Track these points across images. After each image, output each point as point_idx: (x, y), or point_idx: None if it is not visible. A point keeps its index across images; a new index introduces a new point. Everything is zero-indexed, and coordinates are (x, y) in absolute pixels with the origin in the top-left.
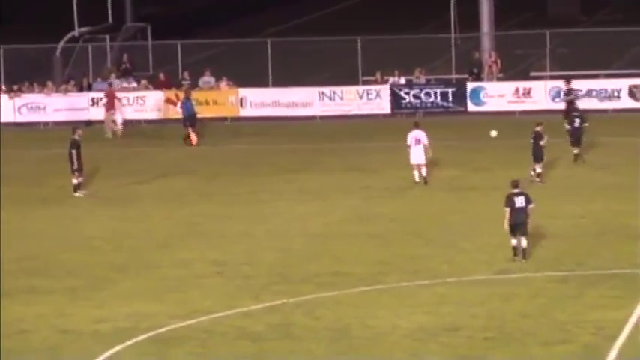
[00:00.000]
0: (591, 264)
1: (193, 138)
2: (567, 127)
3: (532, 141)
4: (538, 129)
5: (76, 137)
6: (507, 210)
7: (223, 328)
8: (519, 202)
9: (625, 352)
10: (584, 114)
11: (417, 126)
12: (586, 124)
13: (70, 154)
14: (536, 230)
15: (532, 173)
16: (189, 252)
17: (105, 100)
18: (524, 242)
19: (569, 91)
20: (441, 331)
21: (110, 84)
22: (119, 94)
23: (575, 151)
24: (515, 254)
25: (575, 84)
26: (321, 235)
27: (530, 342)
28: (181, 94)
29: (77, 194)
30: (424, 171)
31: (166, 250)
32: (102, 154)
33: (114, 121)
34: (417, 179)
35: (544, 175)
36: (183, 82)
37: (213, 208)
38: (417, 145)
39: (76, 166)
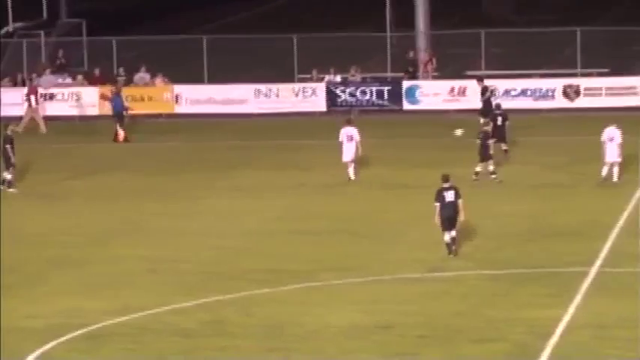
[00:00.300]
0: (522, 263)
1: (120, 134)
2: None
3: (480, 141)
4: (486, 128)
5: (8, 132)
6: (437, 205)
7: (156, 324)
8: (449, 196)
9: (557, 350)
10: (506, 112)
11: (349, 123)
12: (508, 122)
13: (5, 150)
14: (469, 229)
15: (475, 176)
16: (123, 249)
17: (28, 97)
18: (452, 234)
19: (484, 90)
20: (374, 329)
21: (30, 80)
22: (54, 90)
23: (504, 147)
24: (449, 251)
25: (510, 83)
26: (255, 233)
27: (463, 340)
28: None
29: (11, 190)
30: (353, 168)
31: (99, 246)
32: (34, 150)
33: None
34: (352, 176)
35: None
36: (119, 79)
37: (146, 205)
38: (350, 142)
39: (13, 161)
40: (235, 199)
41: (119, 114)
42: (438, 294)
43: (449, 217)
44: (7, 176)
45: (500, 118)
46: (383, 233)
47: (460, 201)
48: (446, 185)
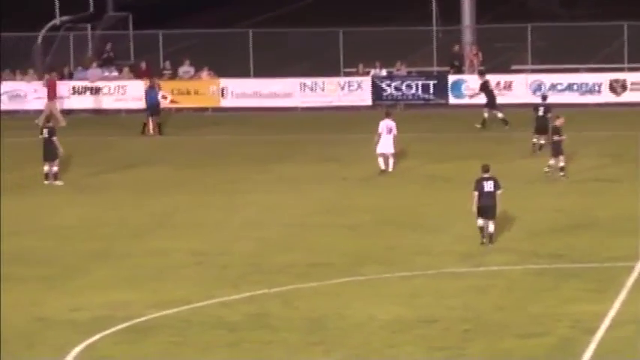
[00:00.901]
0: (567, 257)
1: (150, 126)
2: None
3: (554, 135)
4: (557, 123)
5: (50, 124)
6: (475, 193)
7: (200, 317)
8: (488, 186)
9: (604, 345)
10: (549, 105)
11: (388, 115)
12: (550, 114)
13: (52, 142)
14: (514, 222)
15: (547, 168)
16: (165, 241)
17: (46, 90)
18: (491, 227)
19: (485, 86)
20: (418, 322)
21: (50, 73)
22: (100, 84)
23: (542, 140)
24: (482, 236)
25: (556, 78)
26: (297, 226)
27: (507, 334)
28: (162, 84)
29: (57, 183)
30: (391, 161)
31: (142, 239)
32: (78, 142)
33: (57, 111)
34: (383, 167)
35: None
36: (165, 72)
37: (189, 198)
38: (388, 134)
39: (61, 152)
40: (279, 193)
41: (153, 107)
42: (482, 288)
43: (486, 207)
44: (54, 168)
45: (542, 109)
46: (426, 226)
47: (499, 192)
48: (485, 175)
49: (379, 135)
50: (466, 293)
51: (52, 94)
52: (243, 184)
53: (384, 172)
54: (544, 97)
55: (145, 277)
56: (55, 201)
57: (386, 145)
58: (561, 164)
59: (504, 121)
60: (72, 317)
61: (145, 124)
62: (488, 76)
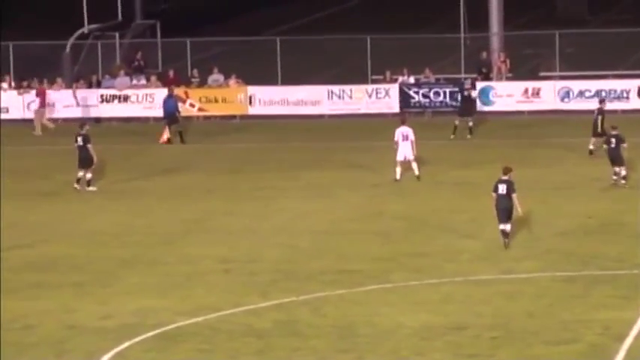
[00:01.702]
0: (596, 264)
1: (163, 135)
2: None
3: (607, 145)
4: (614, 132)
5: (83, 132)
6: (494, 195)
7: (229, 325)
8: (501, 188)
9: (633, 352)
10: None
11: (403, 122)
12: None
13: (86, 149)
14: (543, 229)
15: (615, 177)
16: (195, 248)
17: (37, 99)
18: (507, 227)
19: (469, 90)
20: (447, 330)
21: (41, 83)
22: (128, 92)
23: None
24: (504, 238)
25: (584, 84)
26: (326, 233)
27: (537, 341)
28: (190, 92)
29: (90, 189)
30: (415, 166)
31: (171, 246)
32: (109, 149)
33: (48, 119)
34: (399, 177)
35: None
36: (193, 80)
37: (218, 205)
38: (405, 141)
39: (95, 159)
40: (307, 199)
41: (171, 116)
42: (511, 295)
43: (499, 209)
44: (88, 175)
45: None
46: (456, 233)
47: (514, 195)
48: (502, 178)
49: (396, 143)
50: (495, 300)
51: (41, 103)
52: (273, 191)
53: (397, 181)
54: (601, 101)
55: (174, 284)
56: (86, 208)
57: (404, 151)
58: (623, 173)
59: (470, 130)
60: (102, 324)
61: (162, 133)
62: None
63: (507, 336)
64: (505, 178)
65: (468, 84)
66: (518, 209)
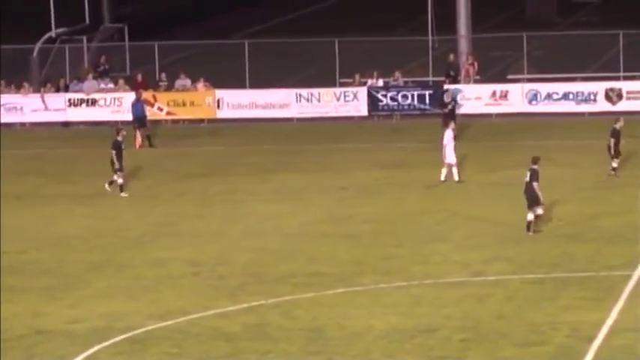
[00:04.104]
0: (566, 266)
1: (138, 140)
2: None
3: (612, 138)
4: (616, 126)
5: (118, 138)
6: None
7: (199, 328)
8: (527, 176)
9: (602, 353)
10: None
11: (446, 125)
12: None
13: (115, 155)
14: (514, 231)
15: (613, 172)
16: (165, 251)
17: None
18: (530, 217)
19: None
20: (417, 332)
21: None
22: (96, 96)
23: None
24: (527, 229)
25: (552, 87)
26: (296, 235)
27: (505, 343)
28: (158, 95)
29: (123, 194)
30: (454, 170)
31: (141, 249)
32: (78, 154)
33: None
34: (442, 178)
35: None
36: (161, 83)
37: (187, 208)
38: (445, 144)
39: (117, 166)
40: (277, 202)
41: (140, 119)
42: (481, 297)
43: (526, 196)
44: (119, 180)
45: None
46: (424, 236)
47: (535, 184)
48: (531, 166)
49: (444, 146)
50: (465, 302)
51: None
52: (243, 194)
53: (443, 182)
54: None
55: (144, 287)
56: (55, 212)
57: (445, 154)
58: (614, 165)
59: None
60: (70, 328)
61: (135, 138)
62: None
63: (477, 338)
64: (533, 166)
65: (448, 97)
66: (540, 197)
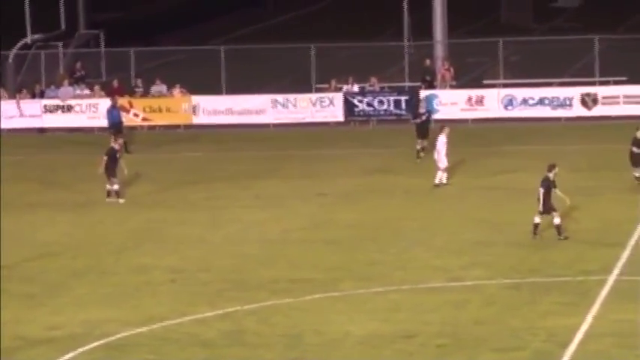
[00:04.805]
0: (543, 271)
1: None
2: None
3: (633, 147)
4: (638, 134)
5: (115, 146)
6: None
7: (176, 335)
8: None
9: (577, 359)
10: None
11: (441, 129)
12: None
13: (108, 161)
14: (492, 236)
15: (636, 180)
16: (145, 258)
17: None
18: (536, 219)
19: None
20: (395, 338)
21: None
22: (71, 102)
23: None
24: (534, 232)
25: (528, 92)
26: (276, 242)
27: (484, 349)
28: (134, 102)
29: (115, 200)
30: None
31: (122, 256)
32: (55, 160)
33: None
34: (436, 181)
35: None
36: (137, 90)
37: (168, 214)
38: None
39: (101, 171)
40: (257, 209)
41: (116, 125)
42: (459, 303)
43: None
44: (114, 187)
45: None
46: (404, 242)
47: (540, 190)
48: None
49: (438, 151)
50: (443, 308)
51: None
52: (223, 200)
53: (436, 186)
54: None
55: (124, 294)
56: (37, 219)
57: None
58: (637, 174)
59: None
60: (50, 335)
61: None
62: (459, 91)
63: (455, 344)
64: (547, 174)
65: (423, 108)
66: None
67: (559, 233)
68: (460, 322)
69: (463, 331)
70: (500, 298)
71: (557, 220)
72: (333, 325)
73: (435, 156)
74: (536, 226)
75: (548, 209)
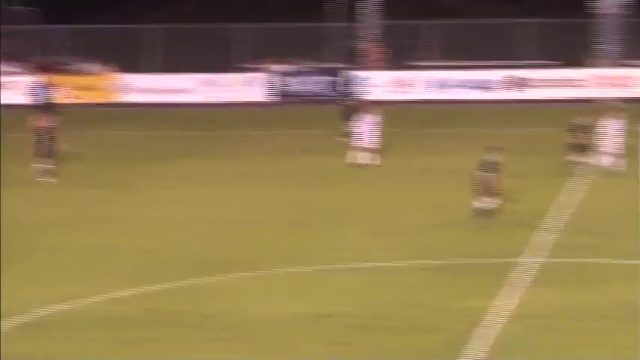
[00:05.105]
0: (465, 253)
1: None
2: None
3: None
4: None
5: (43, 124)
6: None
7: (92, 313)
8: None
9: (495, 341)
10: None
11: (370, 110)
12: None
13: (39, 140)
14: (412, 219)
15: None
16: (70, 237)
17: None
18: (475, 204)
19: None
20: (314, 317)
21: None
22: (3, 79)
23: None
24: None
25: (455, 74)
26: (202, 221)
27: (400, 330)
28: (64, 79)
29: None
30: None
31: (45, 233)
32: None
33: None
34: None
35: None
36: (67, 67)
37: (93, 193)
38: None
39: (42, 151)
40: (183, 188)
41: (45, 104)
42: (377, 284)
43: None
44: (46, 166)
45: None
46: (330, 222)
47: (485, 173)
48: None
49: (368, 130)
50: (362, 288)
51: None
52: (150, 178)
53: (359, 165)
54: None
55: (42, 272)
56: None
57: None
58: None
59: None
60: None
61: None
62: (387, 73)
63: (372, 324)
64: (490, 157)
65: (351, 89)
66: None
67: (490, 217)
68: (378, 303)
69: (381, 312)
70: (420, 279)
71: (493, 205)
72: (252, 304)
73: (362, 136)
74: (479, 210)
75: (492, 193)
